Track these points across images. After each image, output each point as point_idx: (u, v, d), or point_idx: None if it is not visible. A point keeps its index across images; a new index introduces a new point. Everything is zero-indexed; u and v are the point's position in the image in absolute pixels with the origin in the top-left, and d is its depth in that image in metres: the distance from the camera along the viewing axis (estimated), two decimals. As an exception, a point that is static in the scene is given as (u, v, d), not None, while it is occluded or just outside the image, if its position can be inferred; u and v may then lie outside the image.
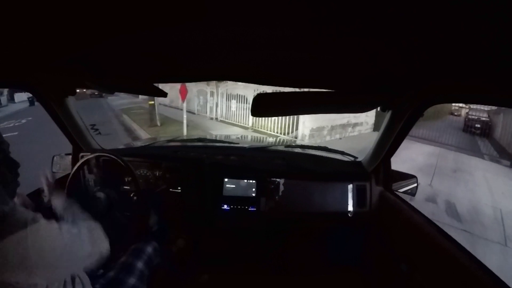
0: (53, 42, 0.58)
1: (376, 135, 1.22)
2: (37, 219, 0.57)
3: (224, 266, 1.42)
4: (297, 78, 0.93)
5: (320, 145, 1.80)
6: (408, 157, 6.18)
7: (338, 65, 0.72)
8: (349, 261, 1.43)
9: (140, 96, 16.99)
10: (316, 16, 0.38)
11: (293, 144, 1.91)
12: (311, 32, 0.46)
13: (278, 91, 0.77)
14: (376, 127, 8.90)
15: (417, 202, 3.78)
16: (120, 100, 16.56)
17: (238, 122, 8.38)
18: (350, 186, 1.35)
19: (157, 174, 1.41)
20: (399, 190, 1.31)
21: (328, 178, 1.39)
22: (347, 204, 1.35)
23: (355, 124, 8.47)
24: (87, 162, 1.29)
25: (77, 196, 1.21)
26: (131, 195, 1.33)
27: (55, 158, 1.52)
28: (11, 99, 20.38)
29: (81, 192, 1.31)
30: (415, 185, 1.31)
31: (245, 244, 1.50)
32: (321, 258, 1.48)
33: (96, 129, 1.61)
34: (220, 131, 7.53)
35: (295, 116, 7.00)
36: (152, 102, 8.02)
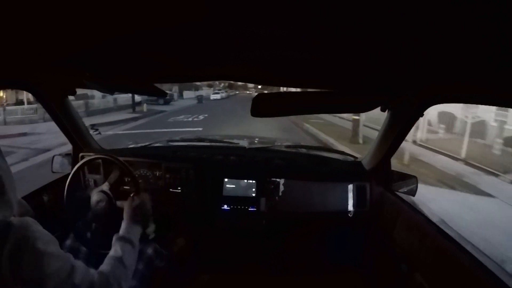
0: (53, 42, 0.58)
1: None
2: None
3: (224, 266, 1.42)
4: (297, 78, 0.93)
5: (320, 145, 1.79)
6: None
7: (338, 65, 0.72)
8: (349, 261, 1.43)
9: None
10: (316, 16, 0.38)
11: (293, 144, 1.91)
12: (311, 32, 0.46)
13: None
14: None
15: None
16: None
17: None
18: (350, 186, 1.35)
19: (157, 174, 1.41)
20: (399, 190, 1.31)
21: (328, 178, 1.39)
22: (347, 204, 1.35)
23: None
24: (87, 162, 1.29)
25: (77, 196, 1.21)
26: (131, 195, 1.33)
27: (55, 157, 1.52)
28: (180, 95, 24.63)
29: (81, 192, 1.30)
30: (415, 185, 1.31)
31: (245, 244, 1.50)
32: (321, 258, 1.48)
33: (96, 129, 1.60)
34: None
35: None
36: (357, 117, 6.92)
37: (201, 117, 11.18)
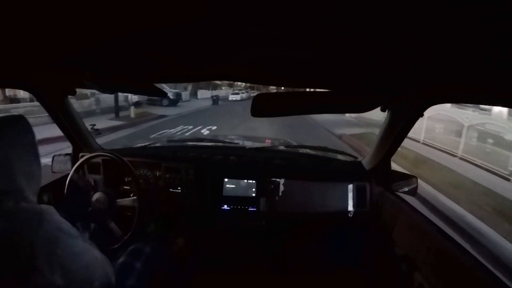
0: (53, 42, 0.58)
1: None
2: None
3: (224, 266, 1.42)
4: (297, 78, 0.93)
5: (320, 145, 1.80)
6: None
7: (338, 66, 0.72)
8: (349, 261, 1.43)
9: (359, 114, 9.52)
10: (316, 16, 0.38)
11: (293, 144, 1.91)
12: (311, 32, 0.46)
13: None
14: None
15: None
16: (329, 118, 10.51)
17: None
18: (350, 186, 1.35)
19: (157, 174, 1.41)
20: (399, 190, 1.31)
21: (328, 178, 1.39)
22: (347, 204, 1.35)
23: None
24: (86, 162, 1.29)
25: (76, 196, 1.21)
26: (131, 195, 1.33)
27: (55, 157, 1.52)
28: (194, 94, 21.48)
29: (81, 192, 1.30)
30: (415, 185, 1.31)
31: (245, 244, 1.50)
32: (321, 258, 1.48)
33: (97, 129, 1.60)
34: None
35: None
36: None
37: (204, 132, 7.73)
